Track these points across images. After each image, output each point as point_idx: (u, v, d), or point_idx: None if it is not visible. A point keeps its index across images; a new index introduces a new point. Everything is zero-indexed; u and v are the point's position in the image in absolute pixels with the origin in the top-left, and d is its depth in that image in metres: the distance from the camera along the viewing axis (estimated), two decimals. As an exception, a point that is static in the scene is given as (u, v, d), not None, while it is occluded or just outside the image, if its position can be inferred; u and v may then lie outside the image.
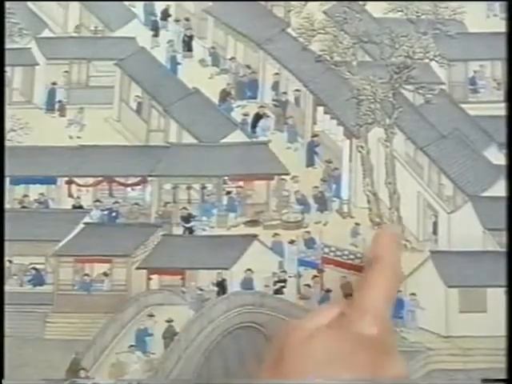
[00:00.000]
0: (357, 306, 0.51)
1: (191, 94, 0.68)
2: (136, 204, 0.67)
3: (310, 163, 0.67)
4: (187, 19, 0.70)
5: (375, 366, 0.48)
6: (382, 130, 0.67)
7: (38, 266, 0.66)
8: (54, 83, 0.69)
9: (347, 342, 0.49)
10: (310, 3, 0.69)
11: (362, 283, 0.53)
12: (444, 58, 0.68)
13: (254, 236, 0.66)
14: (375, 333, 0.49)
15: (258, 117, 0.68)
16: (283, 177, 0.66)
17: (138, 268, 0.66)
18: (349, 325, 0.50)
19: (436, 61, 0.68)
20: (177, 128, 0.68)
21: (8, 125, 0.67)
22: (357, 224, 0.66)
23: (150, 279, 0.66)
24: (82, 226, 0.67)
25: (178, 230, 0.66)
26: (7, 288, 0.65)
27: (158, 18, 0.70)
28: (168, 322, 0.64)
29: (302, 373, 0.48)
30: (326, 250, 0.65)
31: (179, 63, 0.69)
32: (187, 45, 0.69)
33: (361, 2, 0.69)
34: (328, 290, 0.65)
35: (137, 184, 0.67)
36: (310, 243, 0.65)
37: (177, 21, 0.70)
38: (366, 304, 0.51)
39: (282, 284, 0.65)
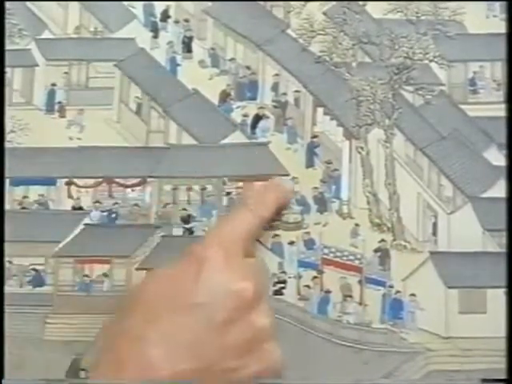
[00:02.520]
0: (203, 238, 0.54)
1: (191, 95, 0.68)
2: (136, 205, 0.67)
3: (310, 164, 0.67)
4: (187, 20, 0.70)
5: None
6: (382, 131, 0.67)
7: (37, 267, 0.66)
8: (53, 84, 0.69)
9: (191, 266, 0.51)
10: (309, 4, 0.69)
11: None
12: (444, 59, 0.68)
13: (254, 237, 0.66)
14: (211, 255, 0.51)
15: (257, 118, 0.68)
16: (283, 178, 0.66)
17: (137, 269, 0.66)
18: (188, 254, 0.52)
19: (436, 62, 0.68)
20: (176, 129, 0.68)
21: (8, 126, 0.67)
22: (357, 225, 0.66)
23: (149, 280, 0.66)
24: (81, 226, 0.67)
25: (178, 231, 0.66)
26: (7, 289, 0.65)
27: (158, 19, 0.70)
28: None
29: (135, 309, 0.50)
30: (326, 250, 0.65)
31: (179, 64, 0.69)
32: (187, 46, 0.69)
33: (360, 3, 0.69)
34: (328, 291, 0.65)
35: (136, 185, 0.67)
36: (309, 244, 0.65)
37: (176, 22, 0.70)
38: (209, 233, 0.55)
39: (282, 285, 0.65)
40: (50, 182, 0.67)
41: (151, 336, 0.48)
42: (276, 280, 0.65)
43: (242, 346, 0.49)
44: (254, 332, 0.50)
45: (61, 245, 0.66)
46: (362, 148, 0.67)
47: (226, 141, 0.67)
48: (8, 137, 0.67)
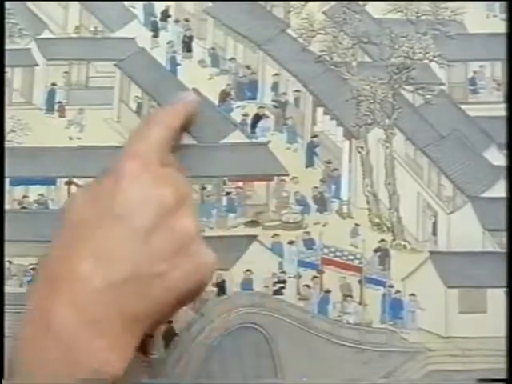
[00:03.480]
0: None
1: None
2: (136, 205, 0.67)
3: (310, 164, 0.67)
4: (187, 20, 0.70)
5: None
6: (382, 131, 0.67)
7: (37, 267, 0.66)
8: (53, 84, 0.69)
9: (110, 180, 0.52)
10: (309, 4, 0.69)
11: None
12: (444, 59, 0.68)
13: (254, 237, 0.66)
14: (126, 166, 0.52)
15: (257, 117, 0.68)
16: (283, 177, 0.66)
17: (137, 269, 0.66)
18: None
19: (436, 61, 0.68)
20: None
21: (8, 126, 0.67)
22: (356, 225, 0.66)
23: (149, 280, 0.66)
24: (81, 226, 0.67)
25: (178, 231, 0.66)
26: (7, 289, 0.65)
27: (158, 19, 0.70)
28: (168, 322, 0.64)
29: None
30: (326, 250, 0.65)
31: (179, 64, 0.69)
32: (187, 45, 0.69)
33: (360, 3, 0.69)
34: (328, 291, 0.65)
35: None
36: (309, 244, 0.65)
37: (176, 21, 0.70)
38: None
39: (282, 285, 0.65)
40: (49, 181, 0.67)
41: (79, 252, 0.49)
42: (276, 280, 0.65)
43: (168, 250, 0.50)
44: (178, 235, 0.51)
45: (61, 244, 0.66)
46: (361, 148, 0.67)
47: (225, 140, 0.67)
48: (8, 136, 0.67)
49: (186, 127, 0.64)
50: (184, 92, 0.66)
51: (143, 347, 0.55)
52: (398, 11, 0.68)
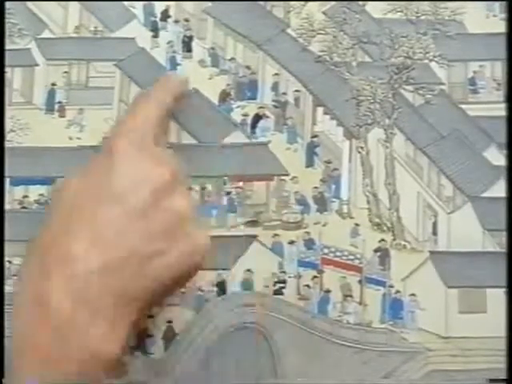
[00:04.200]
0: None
1: (191, 95, 0.68)
2: (136, 205, 0.67)
3: (310, 164, 0.67)
4: (187, 20, 0.70)
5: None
6: (382, 131, 0.67)
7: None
8: (53, 84, 0.69)
9: (102, 160, 0.52)
10: (309, 4, 0.69)
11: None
12: (444, 59, 0.68)
13: (254, 236, 0.66)
14: (120, 145, 0.52)
15: (257, 117, 0.68)
16: (283, 177, 0.66)
17: (137, 269, 0.66)
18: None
19: (436, 61, 0.68)
20: (177, 128, 0.68)
21: (8, 125, 0.67)
22: (356, 225, 0.66)
23: (149, 280, 0.66)
24: (81, 226, 0.67)
25: (178, 231, 0.66)
26: (7, 288, 0.64)
27: (158, 19, 0.70)
28: (167, 322, 0.64)
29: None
30: (326, 250, 0.65)
31: (179, 64, 0.69)
32: (187, 45, 0.69)
33: (360, 3, 0.69)
34: (328, 291, 0.65)
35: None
36: (309, 244, 0.65)
37: (176, 21, 0.70)
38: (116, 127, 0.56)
39: (282, 284, 0.65)
40: (49, 181, 0.67)
41: (74, 230, 0.48)
42: (276, 280, 0.65)
43: (164, 230, 0.50)
44: (174, 214, 0.51)
45: (61, 244, 0.66)
46: (361, 148, 0.67)
47: (225, 140, 0.67)
48: (8, 136, 0.67)
49: (175, 106, 0.63)
50: (172, 72, 0.67)
51: (138, 329, 0.54)
52: (398, 11, 0.68)
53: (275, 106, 0.68)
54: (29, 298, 0.48)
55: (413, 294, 0.64)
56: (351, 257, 0.65)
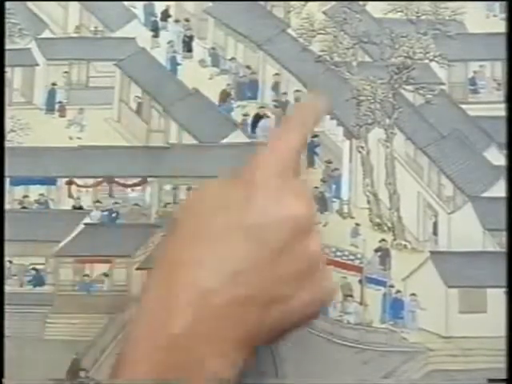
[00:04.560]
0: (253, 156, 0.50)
1: (191, 95, 0.68)
2: (136, 205, 0.67)
3: (310, 164, 0.67)
4: (187, 20, 0.70)
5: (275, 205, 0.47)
6: (382, 131, 0.67)
7: (38, 267, 0.66)
8: (53, 84, 0.69)
9: (238, 185, 0.48)
10: (309, 3, 0.69)
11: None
12: (444, 59, 0.68)
13: (254, 236, 0.65)
14: (261, 177, 0.48)
15: (258, 117, 0.68)
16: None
17: (138, 268, 0.66)
18: (244, 172, 0.49)
19: (436, 61, 0.68)
20: (177, 128, 0.68)
21: (8, 125, 0.67)
22: (357, 224, 0.66)
23: (150, 280, 0.66)
24: (82, 226, 0.67)
25: (178, 231, 0.66)
26: (7, 288, 0.65)
27: (158, 19, 0.70)
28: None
29: (196, 217, 0.47)
30: (327, 250, 0.65)
31: (179, 64, 0.69)
32: (187, 45, 0.69)
33: (361, 3, 0.69)
34: (328, 291, 0.65)
35: (137, 185, 0.67)
36: (310, 244, 0.65)
37: (177, 21, 0.70)
38: (260, 151, 0.50)
39: (282, 284, 0.65)
40: (50, 181, 0.67)
41: (204, 263, 0.45)
42: (276, 279, 0.65)
43: (296, 273, 0.47)
44: (308, 259, 0.47)
45: (61, 244, 0.66)
46: (362, 147, 0.67)
47: (226, 140, 0.67)
48: (8, 136, 0.67)
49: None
50: (314, 92, 0.64)
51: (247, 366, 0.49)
52: (398, 11, 0.69)
53: (276, 106, 0.68)
54: (151, 318, 0.46)
55: (413, 294, 0.64)
56: (352, 257, 0.65)
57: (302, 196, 0.48)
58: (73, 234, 0.66)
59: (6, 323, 0.63)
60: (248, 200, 0.47)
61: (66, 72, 0.69)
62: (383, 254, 0.65)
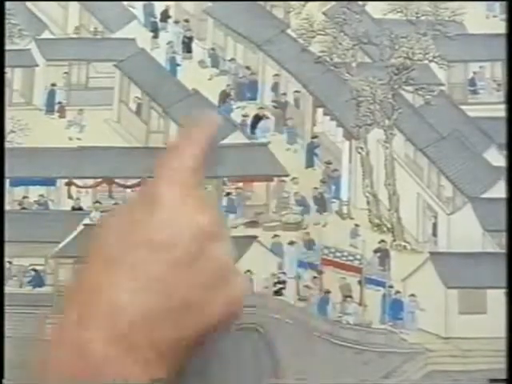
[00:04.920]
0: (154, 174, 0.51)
1: (191, 96, 0.68)
2: (136, 205, 0.67)
3: (310, 164, 0.67)
4: (187, 20, 0.70)
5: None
6: (382, 131, 0.67)
7: (37, 268, 0.66)
8: (53, 84, 0.69)
9: (145, 204, 0.49)
10: (309, 4, 0.69)
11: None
12: (444, 59, 0.68)
13: (254, 237, 0.65)
14: (164, 191, 0.49)
15: (257, 118, 0.68)
16: (283, 178, 0.66)
17: (137, 269, 0.66)
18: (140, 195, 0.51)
19: (436, 62, 0.68)
20: (176, 129, 0.68)
21: (8, 126, 0.67)
22: (356, 225, 0.66)
23: (149, 280, 0.66)
24: (81, 227, 0.67)
25: (178, 232, 0.66)
26: (7, 289, 0.65)
27: (158, 20, 0.70)
28: (168, 323, 0.64)
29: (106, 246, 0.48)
30: (326, 251, 0.65)
31: (179, 64, 0.69)
32: (187, 46, 0.69)
33: (360, 3, 0.69)
34: (327, 292, 0.65)
35: (137, 185, 0.67)
36: (309, 244, 0.65)
37: (176, 22, 0.70)
38: (158, 168, 0.51)
39: (282, 285, 0.65)
40: (49, 182, 0.67)
41: (116, 280, 0.47)
42: (276, 280, 0.65)
43: (207, 279, 0.48)
44: (217, 264, 0.49)
45: (61, 245, 0.66)
46: (361, 148, 0.67)
47: (225, 141, 0.67)
48: (8, 137, 0.67)
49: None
50: (206, 110, 0.64)
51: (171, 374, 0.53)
52: (398, 12, 0.68)
53: (275, 107, 0.68)
54: (67, 348, 0.47)
55: (413, 295, 0.64)
56: (351, 257, 0.65)
57: (203, 205, 0.50)
58: (72, 235, 0.66)
59: (6, 324, 0.63)
60: (151, 215, 0.48)
61: (65, 73, 0.69)
62: (383, 255, 0.65)
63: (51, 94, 0.69)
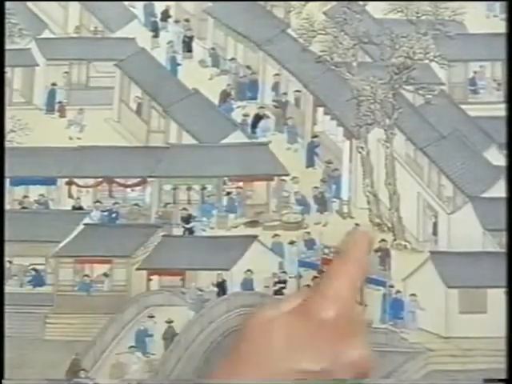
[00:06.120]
0: (317, 292, 0.53)
1: (191, 95, 0.68)
2: (136, 205, 0.67)
3: (310, 164, 0.67)
4: (187, 20, 0.70)
5: (335, 349, 0.50)
6: (382, 131, 0.67)
7: (38, 267, 0.66)
8: (53, 84, 0.69)
9: (306, 327, 0.51)
10: (310, 4, 0.69)
11: (326, 273, 0.56)
12: (444, 59, 0.68)
13: (254, 237, 0.66)
14: (331, 316, 0.51)
15: (258, 117, 0.68)
16: (283, 177, 0.66)
17: (138, 269, 0.66)
18: (308, 311, 0.51)
19: (436, 61, 0.68)
20: (177, 129, 0.68)
21: (8, 126, 0.67)
22: (357, 225, 0.65)
23: (150, 280, 0.66)
24: (82, 226, 0.67)
25: (178, 231, 0.66)
26: (7, 289, 0.65)
27: (158, 19, 0.70)
28: (168, 322, 0.64)
29: (260, 359, 0.50)
30: (326, 250, 0.65)
31: (179, 64, 0.69)
32: (187, 46, 0.69)
33: (361, 3, 0.69)
34: (328, 291, 0.65)
35: (137, 185, 0.67)
36: (310, 244, 0.65)
37: (177, 22, 0.70)
38: (325, 290, 0.52)
39: (282, 285, 0.65)
40: (50, 181, 0.67)
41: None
42: (276, 280, 0.65)
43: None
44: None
45: (61, 245, 0.66)
46: (362, 148, 0.67)
47: (226, 140, 0.67)
48: (8, 136, 0.67)
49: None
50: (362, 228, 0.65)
51: None
52: (399, 11, 0.69)
53: (276, 106, 0.68)
54: None
55: (413, 294, 0.64)
56: (351, 257, 0.65)
57: (362, 336, 0.52)
58: (73, 235, 0.66)
59: (6, 323, 0.63)
60: (308, 342, 0.50)
61: (66, 72, 0.69)
62: (383, 254, 0.65)
63: (51, 94, 0.69)
